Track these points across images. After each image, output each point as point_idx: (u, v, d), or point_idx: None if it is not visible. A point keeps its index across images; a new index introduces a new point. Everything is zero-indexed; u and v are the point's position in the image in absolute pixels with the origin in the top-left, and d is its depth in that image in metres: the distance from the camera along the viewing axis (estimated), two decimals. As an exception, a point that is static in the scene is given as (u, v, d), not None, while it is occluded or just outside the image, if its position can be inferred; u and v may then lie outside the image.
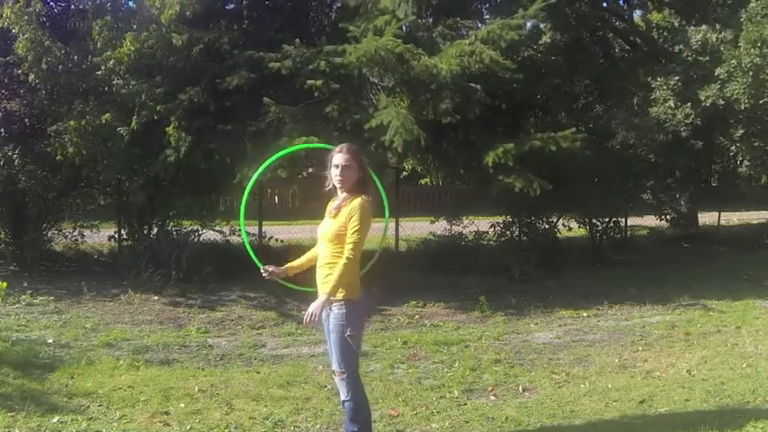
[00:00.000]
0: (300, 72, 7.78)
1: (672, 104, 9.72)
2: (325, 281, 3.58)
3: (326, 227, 3.63)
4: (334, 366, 3.60)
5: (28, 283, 7.81)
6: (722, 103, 9.39)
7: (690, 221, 13.93)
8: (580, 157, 8.56)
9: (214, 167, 8.43)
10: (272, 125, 7.93)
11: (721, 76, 9.27)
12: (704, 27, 10.07)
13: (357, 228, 3.48)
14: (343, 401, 3.63)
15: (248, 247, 4.08)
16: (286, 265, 3.84)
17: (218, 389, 4.78)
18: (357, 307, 3.56)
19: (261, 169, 4.05)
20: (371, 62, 7.53)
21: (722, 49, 9.48)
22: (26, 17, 7.96)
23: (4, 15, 7.98)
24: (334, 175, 3.57)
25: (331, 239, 3.56)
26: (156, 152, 8.03)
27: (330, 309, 3.56)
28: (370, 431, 3.74)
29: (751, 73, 9.01)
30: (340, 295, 3.50)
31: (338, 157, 3.57)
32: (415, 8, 7.93)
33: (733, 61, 9.15)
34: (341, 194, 3.61)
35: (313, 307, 3.47)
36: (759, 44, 8.89)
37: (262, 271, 3.75)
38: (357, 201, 3.52)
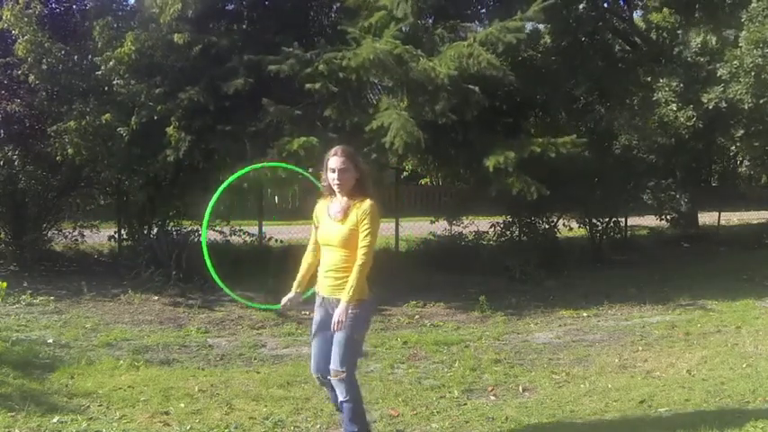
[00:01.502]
0: (299, 74, 7.78)
1: (674, 107, 9.72)
2: (336, 284, 3.58)
3: (334, 232, 3.59)
4: (335, 366, 3.58)
5: (28, 283, 7.81)
6: (725, 105, 9.39)
7: (690, 221, 13.93)
8: (580, 158, 8.56)
9: (214, 167, 8.44)
10: (271, 125, 7.94)
11: (724, 77, 9.25)
12: (704, 29, 10.06)
13: (369, 231, 3.51)
14: (342, 402, 3.63)
15: (207, 259, 4.03)
16: (295, 289, 3.82)
17: (218, 389, 4.78)
18: (367, 307, 3.62)
19: (224, 186, 4.12)
20: (371, 67, 7.53)
21: (725, 51, 9.47)
22: (26, 19, 7.95)
23: (3, 17, 7.98)
24: (331, 180, 3.58)
25: (342, 245, 3.55)
26: (156, 152, 8.04)
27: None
28: (367, 430, 3.77)
29: (753, 73, 9.00)
30: (356, 295, 3.52)
31: (334, 160, 3.56)
32: (415, 8, 7.92)
33: (735, 62, 9.14)
34: (340, 197, 3.61)
35: (338, 315, 3.50)
36: (761, 44, 8.87)
37: (282, 307, 3.79)
38: (368, 203, 3.54)
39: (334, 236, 3.58)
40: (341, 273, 3.57)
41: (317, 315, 3.72)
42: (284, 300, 3.79)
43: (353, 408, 3.63)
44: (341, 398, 3.62)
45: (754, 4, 9.22)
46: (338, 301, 3.57)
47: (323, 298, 3.68)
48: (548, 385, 5.08)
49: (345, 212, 3.57)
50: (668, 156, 11.34)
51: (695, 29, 10.35)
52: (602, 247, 11.59)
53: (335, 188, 3.60)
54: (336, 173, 3.54)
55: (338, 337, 3.57)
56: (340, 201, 3.62)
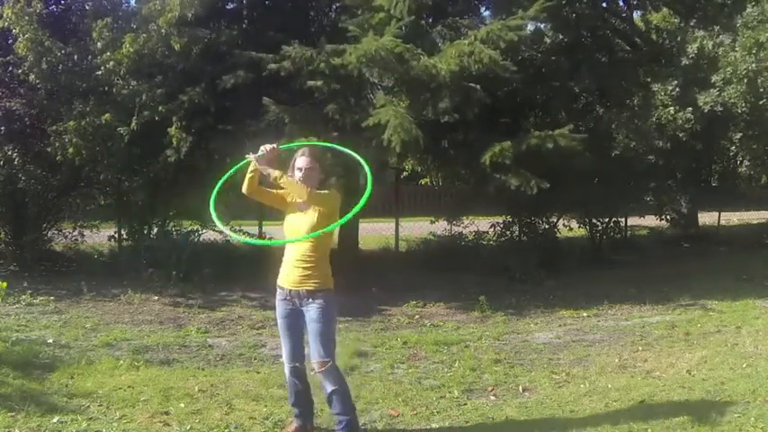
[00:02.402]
0: (300, 73, 7.78)
1: (672, 111, 9.75)
2: (304, 275, 3.73)
3: (299, 222, 3.77)
4: (318, 358, 3.72)
5: (28, 283, 7.81)
6: (721, 109, 9.44)
7: (690, 221, 13.93)
8: (580, 157, 8.56)
9: (214, 167, 8.43)
10: (272, 125, 7.94)
11: (717, 84, 9.30)
12: (701, 34, 10.10)
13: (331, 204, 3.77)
14: (331, 393, 3.77)
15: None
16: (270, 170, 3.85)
17: (218, 389, 4.78)
18: (334, 297, 3.82)
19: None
20: (371, 62, 7.53)
21: (719, 54, 9.50)
22: (26, 17, 7.95)
23: (4, 15, 7.98)
24: (297, 178, 3.77)
25: (307, 233, 3.72)
26: (156, 152, 8.05)
27: (312, 300, 3.73)
28: (357, 418, 3.93)
29: (746, 80, 9.03)
30: (323, 286, 3.74)
31: (301, 160, 3.79)
32: (414, 7, 7.92)
33: (729, 68, 9.17)
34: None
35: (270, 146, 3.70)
36: (755, 50, 8.91)
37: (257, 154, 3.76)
38: (330, 190, 3.81)
39: (302, 225, 3.74)
40: (309, 263, 3.74)
41: (281, 309, 3.85)
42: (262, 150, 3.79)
43: (344, 397, 3.79)
44: (329, 389, 3.77)
45: (748, 10, 9.24)
46: (306, 292, 3.73)
47: (289, 291, 3.79)
48: (548, 385, 5.08)
49: (309, 203, 3.75)
50: (668, 156, 11.35)
51: (692, 35, 10.38)
52: (602, 247, 11.59)
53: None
54: (303, 171, 3.75)
55: (316, 328, 3.72)
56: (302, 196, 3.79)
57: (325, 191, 3.79)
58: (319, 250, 3.76)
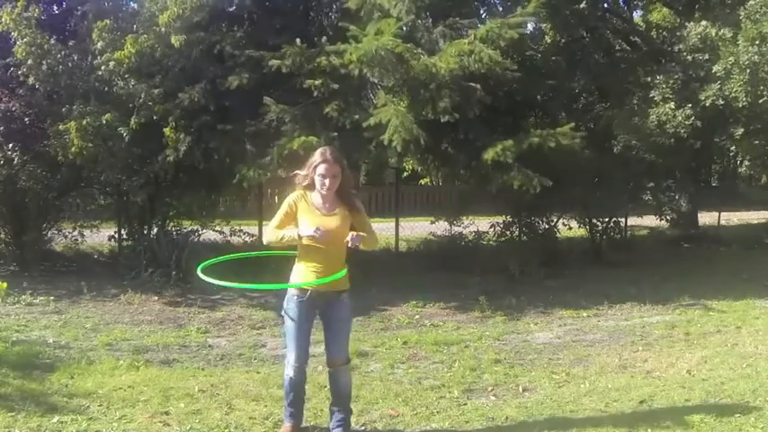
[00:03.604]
0: (300, 72, 7.79)
1: (672, 106, 9.68)
2: (341, 276, 3.76)
3: (333, 225, 3.72)
4: (342, 355, 3.88)
5: (28, 283, 7.82)
6: (722, 102, 9.36)
7: (690, 221, 13.91)
8: (580, 156, 8.56)
9: (214, 167, 8.44)
10: (271, 125, 7.94)
11: (719, 74, 9.22)
12: (704, 23, 10.01)
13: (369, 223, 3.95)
14: (348, 389, 3.97)
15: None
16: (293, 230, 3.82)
17: (218, 389, 4.78)
18: None
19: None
20: (372, 62, 7.53)
21: (720, 45, 9.42)
22: (25, 22, 7.95)
23: (2, 20, 7.97)
24: (320, 184, 3.71)
25: (342, 237, 3.74)
26: (156, 152, 8.05)
27: (339, 299, 3.82)
28: None
29: (749, 71, 8.96)
30: (348, 285, 3.86)
31: (326, 167, 3.69)
32: (412, 8, 7.92)
33: (731, 58, 9.10)
34: (324, 194, 3.74)
35: (354, 239, 3.69)
36: (758, 42, 8.83)
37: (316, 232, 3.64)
38: (359, 203, 3.90)
39: (335, 228, 3.73)
40: (342, 264, 3.78)
41: (300, 311, 3.80)
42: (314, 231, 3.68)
43: (351, 388, 4.05)
44: (348, 385, 3.98)
45: (751, 2, 9.18)
46: (335, 293, 3.79)
47: (318, 293, 3.77)
48: (548, 385, 5.08)
49: (334, 207, 3.77)
50: (667, 156, 11.33)
51: (695, 22, 10.29)
52: (602, 247, 11.58)
53: (323, 191, 3.74)
54: (329, 180, 3.68)
55: (342, 328, 3.87)
56: (323, 196, 3.77)
57: (359, 204, 3.89)
58: (345, 250, 3.80)
